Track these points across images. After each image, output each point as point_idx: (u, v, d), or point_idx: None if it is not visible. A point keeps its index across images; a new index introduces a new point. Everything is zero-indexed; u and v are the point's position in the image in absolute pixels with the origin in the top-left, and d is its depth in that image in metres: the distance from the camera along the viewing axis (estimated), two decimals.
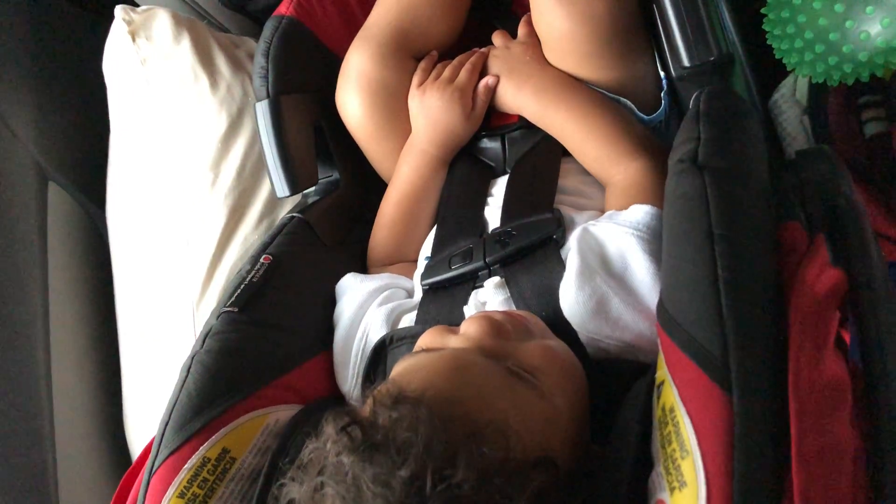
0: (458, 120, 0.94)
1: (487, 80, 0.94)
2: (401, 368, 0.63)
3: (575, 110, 0.87)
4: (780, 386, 0.50)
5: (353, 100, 0.98)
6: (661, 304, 0.61)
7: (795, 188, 0.67)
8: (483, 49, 0.98)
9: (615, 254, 0.72)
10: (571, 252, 0.74)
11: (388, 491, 0.49)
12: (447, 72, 0.96)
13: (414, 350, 0.69)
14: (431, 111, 0.95)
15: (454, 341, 0.66)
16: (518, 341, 0.65)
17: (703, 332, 0.53)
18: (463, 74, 0.95)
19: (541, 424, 0.58)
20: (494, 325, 0.65)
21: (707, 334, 0.52)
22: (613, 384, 0.66)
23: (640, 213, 0.74)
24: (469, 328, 0.66)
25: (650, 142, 0.87)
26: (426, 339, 0.69)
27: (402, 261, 0.99)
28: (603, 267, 0.72)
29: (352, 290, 0.90)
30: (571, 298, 0.71)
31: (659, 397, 0.55)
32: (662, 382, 0.55)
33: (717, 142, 0.66)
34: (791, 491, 0.46)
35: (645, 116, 0.90)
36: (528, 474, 0.52)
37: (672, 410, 0.52)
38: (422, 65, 0.99)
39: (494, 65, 0.95)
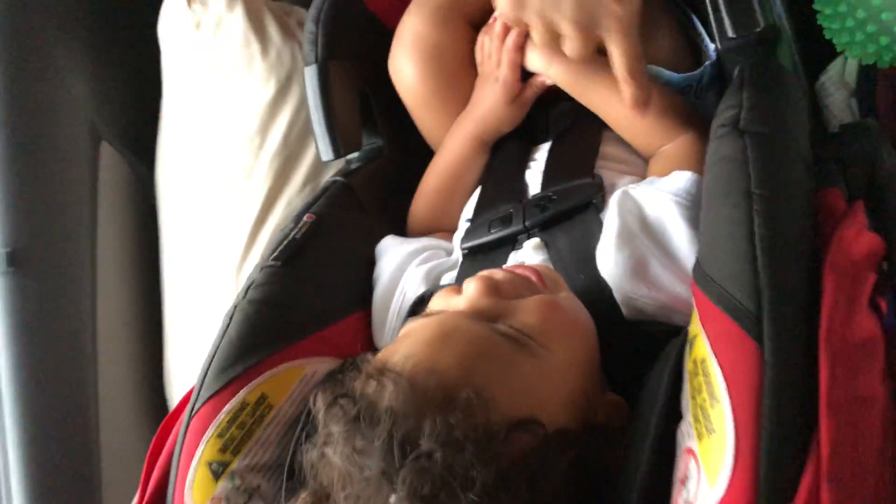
0: (499, 105, 0.91)
1: (544, 80, 0.89)
2: (401, 333, 0.66)
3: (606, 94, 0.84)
4: (812, 340, 0.50)
5: (408, 63, 0.97)
6: (697, 263, 0.61)
7: (838, 159, 0.67)
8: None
9: (654, 218, 0.73)
10: (611, 213, 0.74)
11: (369, 461, 0.52)
12: (494, 50, 0.91)
13: (423, 313, 0.70)
14: (480, 90, 0.94)
15: (454, 303, 0.67)
16: (516, 298, 0.66)
17: (737, 287, 0.53)
18: (505, 63, 0.89)
19: (531, 384, 0.59)
20: (489, 284, 0.66)
21: (742, 288, 0.53)
22: (647, 345, 0.67)
23: (682, 179, 0.74)
24: (467, 287, 0.67)
25: (695, 115, 0.86)
26: (434, 302, 0.70)
27: (440, 230, 0.99)
28: (642, 229, 0.72)
29: (392, 250, 0.91)
30: (611, 258, 0.72)
31: (691, 351, 0.56)
32: (695, 337, 0.55)
33: (759, 108, 0.66)
34: (818, 441, 0.46)
35: (675, 75, 0.88)
36: (510, 437, 0.53)
37: (703, 361, 0.52)
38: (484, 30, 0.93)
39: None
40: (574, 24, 0.74)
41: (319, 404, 0.59)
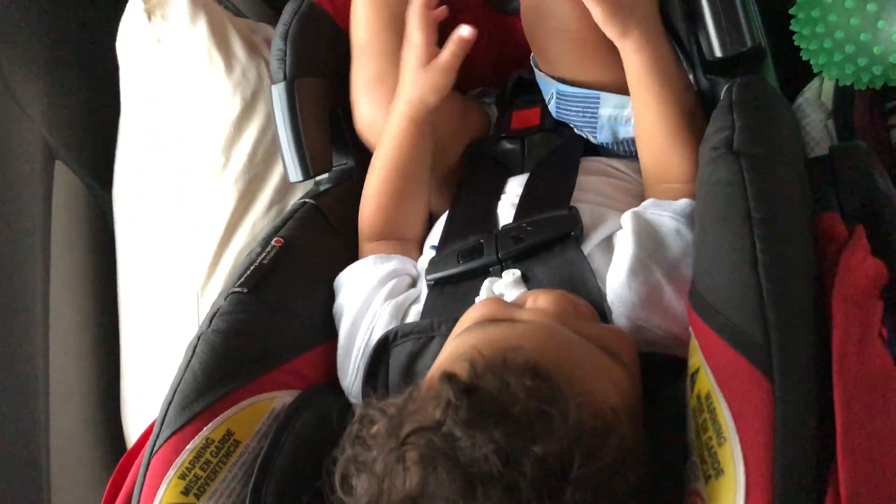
0: (414, 70, 0.86)
1: (462, 35, 0.84)
2: (475, 340, 0.57)
3: (667, 99, 0.78)
4: (823, 372, 0.48)
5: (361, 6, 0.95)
6: (694, 289, 0.59)
7: (830, 183, 0.66)
8: None
9: (672, 243, 0.70)
10: (625, 236, 0.71)
11: (513, 471, 0.45)
12: (409, 12, 0.88)
13: (468, 321, 0.64)
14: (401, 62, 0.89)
15: (525, 314, 0.62)
16: (589, 322, 0.63)
17: (742, 316, 0.51)
18: (414, 21, 0.85)
19: (631, 403, 0.56)
20: (572, 302, 0.63)
21: (747, 318, 0.51)
22: (651, 376, 0.64)
23: (687, 205, 0.71)
24: (542, 301, 0.62)
25: None
26: (485, 310, 0.64)
27: (393, 237, 0.93)
28: (659, 255, 0.69)
29: (354, 281, 0.86)
30: (622, 283, 0.68)
31: (693, 385, 0.53)
32: (697, 370, 0.53)
33: (753, 129, 0.65)
34: (835, 481, 0.44)
35: None
36: (609, 441, 0.48)
37: (708, 397, 0.50)
38: None
39: None
40: None
41: (441, 394, 0.49)
